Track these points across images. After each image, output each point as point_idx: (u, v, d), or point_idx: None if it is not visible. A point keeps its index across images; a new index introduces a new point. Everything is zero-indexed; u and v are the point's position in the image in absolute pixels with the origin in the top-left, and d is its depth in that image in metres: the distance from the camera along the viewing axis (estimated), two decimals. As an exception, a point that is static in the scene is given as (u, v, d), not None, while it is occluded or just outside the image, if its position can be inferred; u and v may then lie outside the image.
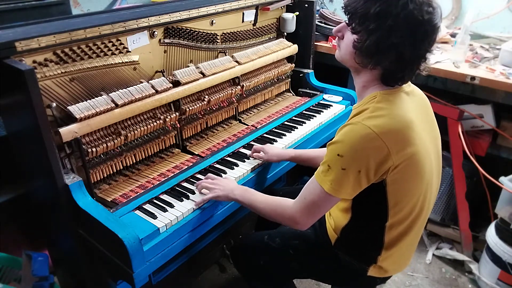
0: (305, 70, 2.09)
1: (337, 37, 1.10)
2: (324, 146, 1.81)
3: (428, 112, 1.15)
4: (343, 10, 1.02)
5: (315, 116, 1.84)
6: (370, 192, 1.05)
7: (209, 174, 1.36)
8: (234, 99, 1.74)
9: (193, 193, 1.31)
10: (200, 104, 1.56)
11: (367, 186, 1.04)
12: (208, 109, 1.65)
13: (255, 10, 1.82)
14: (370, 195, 1.06)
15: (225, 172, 1.43)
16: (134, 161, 1.44)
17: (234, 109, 1.80)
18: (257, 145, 1.52)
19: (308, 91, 2.09)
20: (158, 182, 1.36)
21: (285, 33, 2.01)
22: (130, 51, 1.38)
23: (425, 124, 1.10)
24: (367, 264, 1.19)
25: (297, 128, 1.74)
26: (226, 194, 1.26)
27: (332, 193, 1.03)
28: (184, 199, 1.28)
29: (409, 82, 1.12)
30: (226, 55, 1.73)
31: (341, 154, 0.99)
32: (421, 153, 1.03)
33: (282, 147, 1.60)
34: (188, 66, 1.55)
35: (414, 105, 1.08)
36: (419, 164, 1.04)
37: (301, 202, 1.11)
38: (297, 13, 1.97)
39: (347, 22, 1.03)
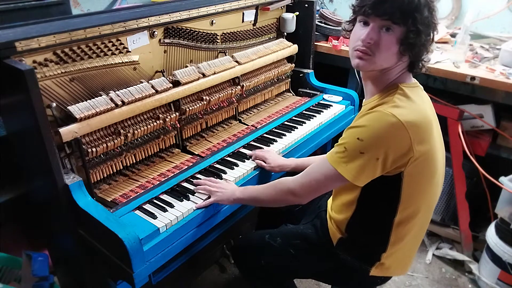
0: (305, 70, 2.09)
1: (365, 47, 1.01)
2: (323, 147, 1.82)
3: (434, 110, 1.16)
4: (374, 9, 0.97)
5: (315, 116, 1.83)
6: (385, 184, 1.05)
7: (211, 178, 1.36)
8: (234, 99, 1.74)
9: (193, 193, 1.31)
10: (200, 104, 1.56)
11: (380, 177, 1.03)
12: (208, 109, 1.65)
13: (255, 10, 1.82)
14: (384, 187, 1.06)
15: (225, 172, 1.43)
16: (134, 161, 1.44)
17: (234, 109, 1.80)
18: (259, 152, 1.50)
19: (308, 91, 2.09)
20: (158, 182, 1.36)
21: (285, 33, 2.01)
22: (130, 51, 1.38)
23: (436, 122, 1.11)
24: (369, 264, 1.19)
25: (297, 128, 1.74)
26: (228, 197, 1.26)
27: (344, 175, 1.02)
28: (184, 199, 1.28)
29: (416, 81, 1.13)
30: (226, 55, 1.73)
31: (361, 138, 0.99)
32: (436, 150, 1.05)
33: (282, 147, 1.59)
34: (188, 66, 1.55)
35: (428, 101, 1.10)
36: (434, 161, 1.05)
37: (304, 177, 1.11)
38: (297, 13, 1.97)
39: (385, 21, 0.97)
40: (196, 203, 1.26)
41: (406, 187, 1.04)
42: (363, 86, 1.16)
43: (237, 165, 1.47)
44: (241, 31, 1.80)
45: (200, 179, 1.36)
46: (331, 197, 1.29)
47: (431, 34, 1.02)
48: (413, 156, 0.99)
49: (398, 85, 1.05)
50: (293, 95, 2.12)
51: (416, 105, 1.02)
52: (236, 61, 1.70)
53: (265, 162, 1.46)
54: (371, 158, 0.99)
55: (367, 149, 0.99)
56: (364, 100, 1.16)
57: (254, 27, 1.87)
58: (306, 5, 1.96)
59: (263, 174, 1.49)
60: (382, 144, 0.98)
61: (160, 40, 1.47)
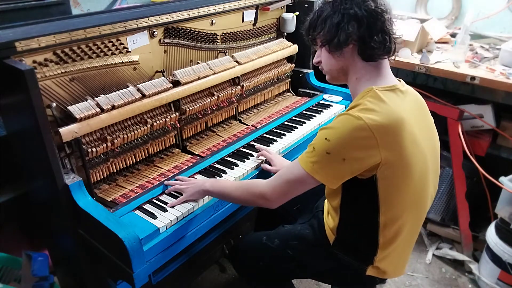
0: (305, 70, 2.09)
1: (319, 67, 1.19)
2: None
3: (424, 113, 1.15)
4: (307, 41, 1.18)
5: (315, 116, 1.84)
6: (361, 186, 1.05)
7: (182, 177, 1.36)
8: (234, 99, 1.74)
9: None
10: (200, 104, 1.56)
11: (356, 180, 1.04)
12: (208, 109, 1.65)
13: (255, 10, 1.82)
14: (361, 189, 1.07)
15: (225, 172, 1.43)
16: (134, 161, 1.44)
17: (234, 109, 1.80)
18: (266, 154, 1.49)
19: (308, 91, 2.09)
20: (158, 182, 1.36)
21: (285, 33, 2.01)
22: (130, 51, 1.38)
23: (420, 124, 1.10)
24: (365, 264, 1.19)
25: (297, 128, 1.74)
26: (197, 190, 1.26)
27: (310, 173, 1.04)
28: (184, 199, 1.28)
29: (403, 82, 1.12)
30: (226, 55, 1.73)
31: (328, 139, 1.01)
32: (412, 152, 1.03)
33: (282, 147, 1.59)
34: (188, 66, 1.55)
35: (408, 104, 1.08)
36: (409, 163, 1.04)
37: (276, 180, 1.13)
38: (297, 13, 1.97)
39: (314, 47, 1.18)
40: (197, 203, 1.26)
41: (382, 189, 1.05)
42: None
43: (237, 165, 1.47)
44: (241, 31, 1.80)
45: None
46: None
47: (340, 20, 1.06)
48: (381, 160, 0.99)
49: (372, 88, 1.06)
50: (293, 95, 2.12)
51: (387, 107, 1.02)
52: (236, 61, 1.70)
53: (271, 164, 1.46)
54: (337, 159, 1.01)
55: (333, 149, 1.01)
56: None
57: (254, 27, 1.87)
58: (306, 5, 1.96)
59: (263, 174, 1.49)
60: (347, 145, 1.00)
61: (160, 40, 1.47)
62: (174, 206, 1.25)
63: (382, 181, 1.03)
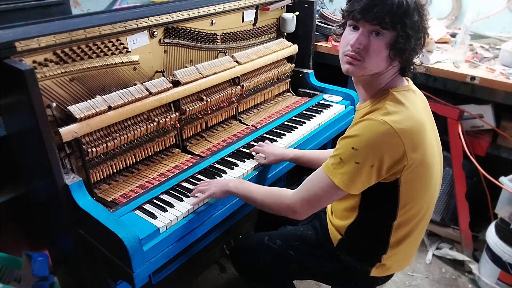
0: (305, 70, 2.09)
1: (354, 52, 1.00)
2: (323, 147, 1.82)
3: (430, 111, 1.16)
4: (363, 14, 0.95)
5: (315, 116, 1.83)
6: (382, 190, 1.04)
7: (205, 179, 1.35)
8: (234, 99, 1.74)
9: (193, 193, 1.31)
10: (200, 104, 1.56)
11: (377, 184, 1.03)
12: (208, 109, 1.65)
13: (255, 10, 1.82)
14: (382, 193, 1.06)
15: (225, 172, 1.43)
16: (134, 161, 1.44)
17: (234, 109, 1.80)
18: (257, 147, 1.52)
19: (308, 91, 2.09)
20: (158, 182, 1.36)
21: (285, 33, 2.01)
22: (130, 51, 1.38)
23: (431, 124, 1.10)
24: (370, 265, 1.19)
25: (297, 128, 1.74)
26: (220, 189, 1.25)
27: (342, 187, 1.02)
28: (184, 199, 1.28)
29: (411, 82, 1.12)
30: (226, 55, 1.73)
31: (356, 148, 0.98)
32: (431, 153, 1.04)
33: (282, 147, 1.59)
34: (188, 66, 1.55)
35: (421, 104, 1.08)
36: (429, 165, 1.05)
37: (303, 193, 1.10)
38: (297, 13, 1.97)
39: (374, 26, 0.96)
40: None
41: (403, 192, 1.04)
42: (356, 90, 1.15)
43: (237, 165, 1.47)
44: (241, 31, 1.80)
45: (202, 179, 1.36)
46: None
47: (422, 38, 1.01)
48: (407, 163, 0.99)
49: (389, 91, 1.04)
50: (293, 95, 2.12)
51: (408, 110, 1.01)
52: (236, 61, 1.70)
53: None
54: (366, 166, 0.99)
55: (362, 158, 0.98)
56: (357, 104, 1.16)
57: (254, 27, 1.87)
58: (306, 5, 1.96)
59: (263, 175, 1.49)
60: (376, 152, 0.98)
61: (160, 40, 1.47)
62: (196, 205, 1.24)
63: (404, 185, 1.03)
